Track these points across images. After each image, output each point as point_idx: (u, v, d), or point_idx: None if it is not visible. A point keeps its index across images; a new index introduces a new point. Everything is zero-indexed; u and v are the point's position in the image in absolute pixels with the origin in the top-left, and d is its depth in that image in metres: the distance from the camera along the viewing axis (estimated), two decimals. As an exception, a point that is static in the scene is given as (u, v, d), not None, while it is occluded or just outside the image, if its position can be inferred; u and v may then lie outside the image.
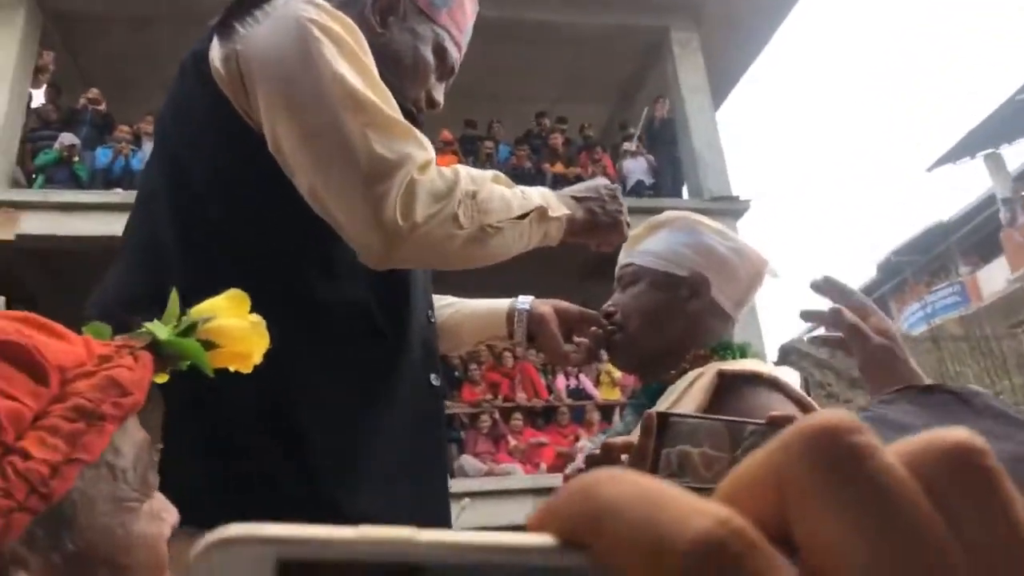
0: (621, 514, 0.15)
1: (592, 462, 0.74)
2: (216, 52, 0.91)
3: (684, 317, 1.05)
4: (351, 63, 0.88)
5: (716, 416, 0.80)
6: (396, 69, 1.03)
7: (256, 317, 0.57)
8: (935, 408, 0.47)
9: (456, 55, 1.11)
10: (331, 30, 0.88)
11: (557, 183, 8.38)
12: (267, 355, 0.90)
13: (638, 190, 8.12)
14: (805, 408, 0.89)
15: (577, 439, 7.70)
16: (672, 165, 8.51)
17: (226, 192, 0.92)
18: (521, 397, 8.05)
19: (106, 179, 7.18)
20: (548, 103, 9.07)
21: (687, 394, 0.93)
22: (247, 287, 0.92)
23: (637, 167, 8.41)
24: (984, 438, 0.16)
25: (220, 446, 0.88)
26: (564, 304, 1.19)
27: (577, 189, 1.07)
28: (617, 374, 8.28)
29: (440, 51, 1.08)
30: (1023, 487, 0.15)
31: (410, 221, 0.84)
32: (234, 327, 0.57)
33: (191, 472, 0.85)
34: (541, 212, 0.96)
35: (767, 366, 0.96)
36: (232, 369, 0.60)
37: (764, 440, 0.71)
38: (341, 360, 0.93)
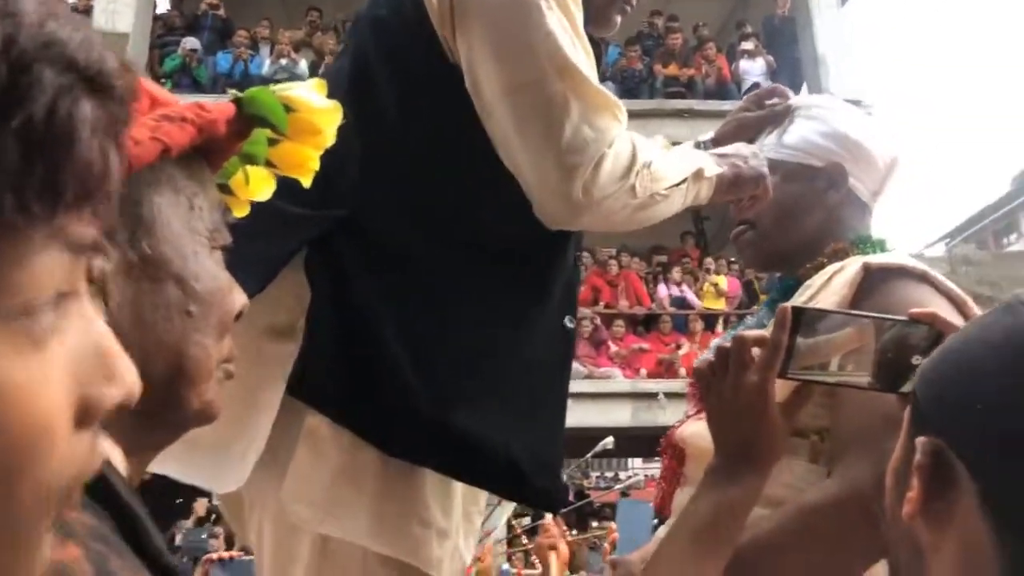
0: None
1: (723, 354, 0.74)
2: None
3: (821, 209, 1.02)
4: (563, 15, 0.89)
5: (853, 311, 0.79)
6: None
7: (333, 101, 0.61)
8: None
9: None
10: None
11: (669, 85, 8.10)
12: (419, 268, 0.95)
13: (754, 93, 7.76)
14: (955, 302, 0.86)
15: (679, 347, 7.69)
16: (791, 66, 8.04)
17: (413, 113, 0.95)
18: (623, 305, 8.06)
19: (226, 83, 7.41)
20: (662, 1, 8.66)
21: (826, 288, 0.91)
22: (416, 204, 0.96)
23: (754, 68, 8.01)
24: None
25: (354, 340, 0.92)
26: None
27: (721, 150, 1.07)
28: (723, 285, 8.13)
29: None
30: None
31: (593, 196, 0.88)
32: (309, 97, 0.60)
33: (321, 356, 0.90)
34: (697, 174, 0.98)
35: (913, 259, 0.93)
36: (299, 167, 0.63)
37: (904, 335, 0.69)
38: (487, 287, 0.97)
